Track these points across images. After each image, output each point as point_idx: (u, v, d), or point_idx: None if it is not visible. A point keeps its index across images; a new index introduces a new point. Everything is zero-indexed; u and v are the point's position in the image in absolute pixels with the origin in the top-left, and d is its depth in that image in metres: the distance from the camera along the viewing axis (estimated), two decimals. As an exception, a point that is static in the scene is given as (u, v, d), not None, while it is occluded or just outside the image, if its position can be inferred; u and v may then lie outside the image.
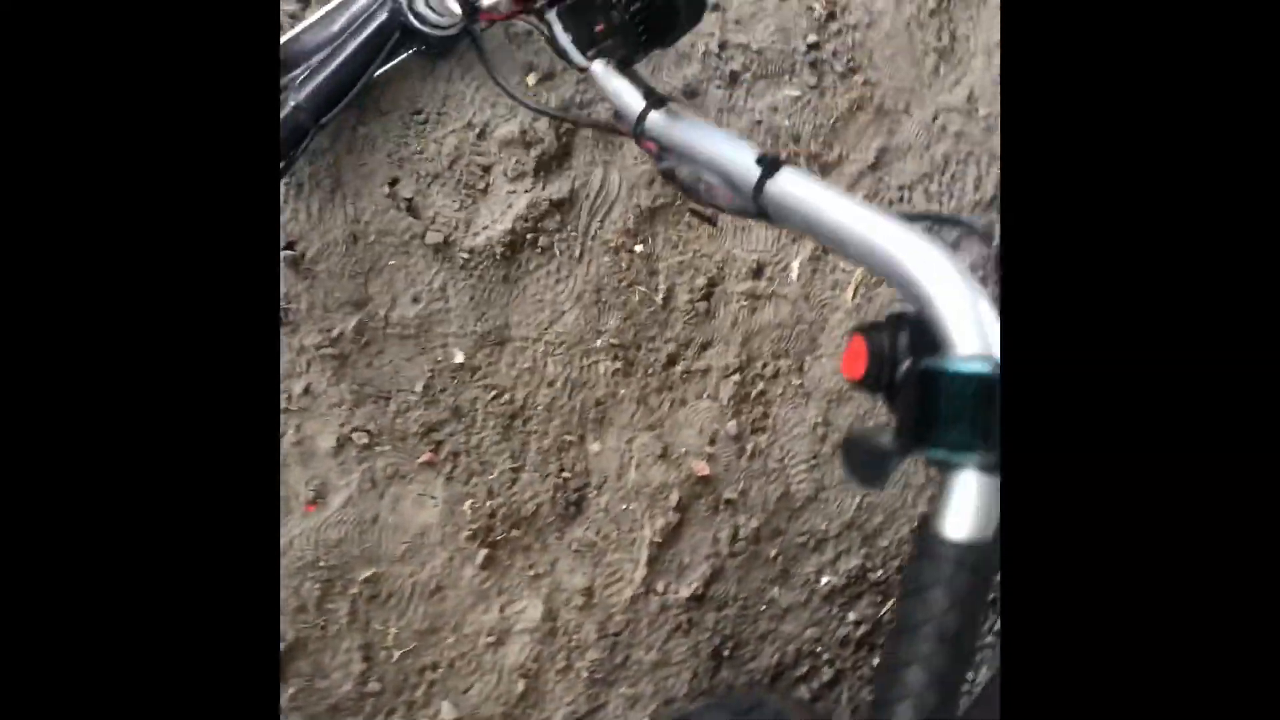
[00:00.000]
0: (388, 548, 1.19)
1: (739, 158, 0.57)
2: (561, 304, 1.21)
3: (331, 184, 1.01)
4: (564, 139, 1.14)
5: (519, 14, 0.64)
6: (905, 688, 0.44)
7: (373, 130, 1.02)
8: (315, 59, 0.69)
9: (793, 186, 0.55)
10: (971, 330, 0.45)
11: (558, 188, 1.15)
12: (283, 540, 1.12)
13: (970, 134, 1.58)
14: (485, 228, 1.12)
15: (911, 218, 0.54)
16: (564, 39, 0.62)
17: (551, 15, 0.62)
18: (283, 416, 1.07)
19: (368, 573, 1.18)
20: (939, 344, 0.46)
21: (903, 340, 0.48)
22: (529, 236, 1.15)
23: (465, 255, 1.12)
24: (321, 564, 1.15)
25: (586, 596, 1.34)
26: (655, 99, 0.62)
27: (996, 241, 0.57)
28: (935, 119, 1.53)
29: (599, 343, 1.25)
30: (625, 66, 0.62)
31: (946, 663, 0.43)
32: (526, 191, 1.13)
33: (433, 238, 1.08)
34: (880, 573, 1.63)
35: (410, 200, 1.07)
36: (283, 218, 0.98)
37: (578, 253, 1.20)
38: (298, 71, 0.68)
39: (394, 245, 1.07)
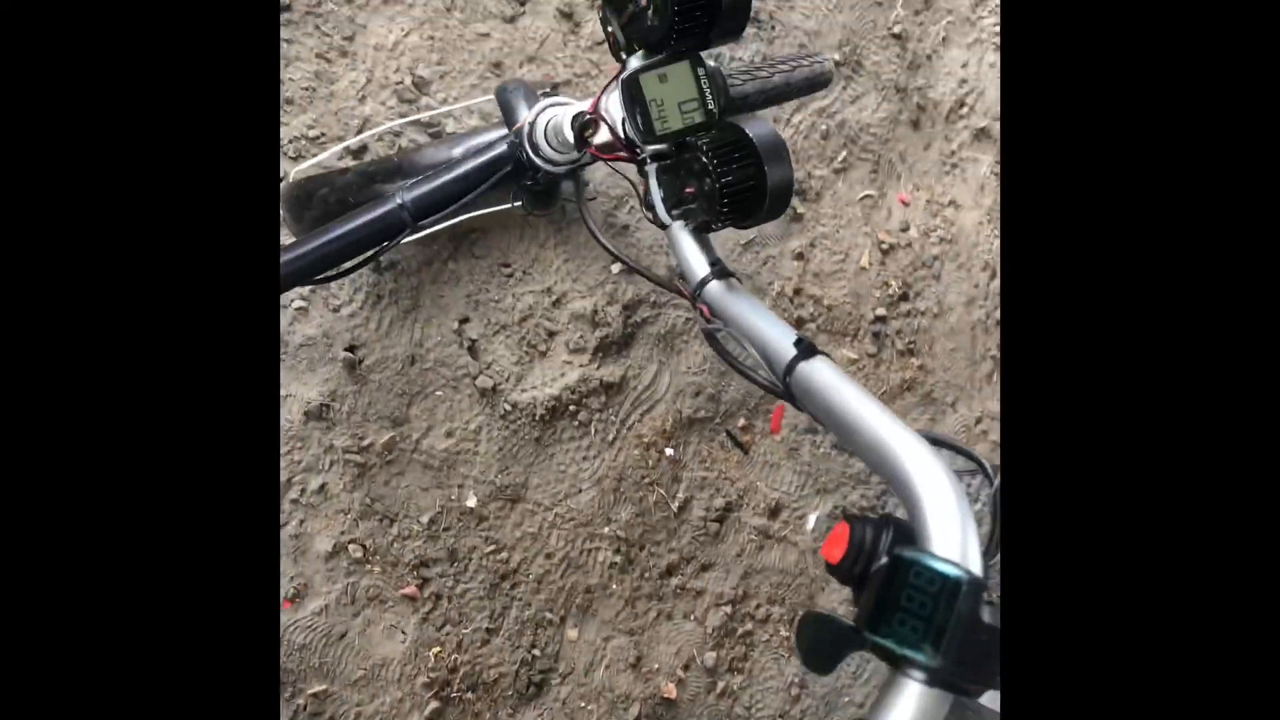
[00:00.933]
0: (346, 669, 1.18)
1: (780, 336, 0.61)
2: (582, 480, 1.24)
3: (409, 305, 1.08)
4: (630, 329, 1.21)
5: (623, 158, 0.72)
6: None
7: (460, 269, 1.10)
8: (430, 171, 0.77)
9: (821, 374, 0.59)
10: (953, 537, 0.46)
11: (611, 371, 1.21)
12: (248, 628, 1.12)
13: (1010, 446, 1.62)
14: (534, 387, 1.17)
15: (930, 437, 0.56)
16: (656, 193, 0.69)
17: (651, 168, 0.70)
18: (291, 506, 1.10)
19: (319, 687, 1.17)
20: (919, 544, 0.47)
21: (886, 538, 0.48)
22: (571, 409, 1.20)
23: (508, 407, 1.17)
24: (281, 665, 1.14)
25: (520, 786, 1.30)
26: (720, 270, 0.67)
27: (998, 483, 0.58)
28: (978, 422, 1.59)
29: (606, 530, 1.27)
30: (702, 233, 0.69)
31: None
32: (582, 366, 1.19)
33: (484, 382, 1.14)
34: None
35: (474, 342, 1.13)
36: (354, 321, 1.05)
37: (611, 437, 1.24)
38: (414, 179, 0.76)
39: (446, 378, 1.13)
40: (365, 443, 1.11)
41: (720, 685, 1.41)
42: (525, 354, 1.16)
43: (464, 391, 1.15)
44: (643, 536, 1.30)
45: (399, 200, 0.73)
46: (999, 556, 0.47)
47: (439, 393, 1.13)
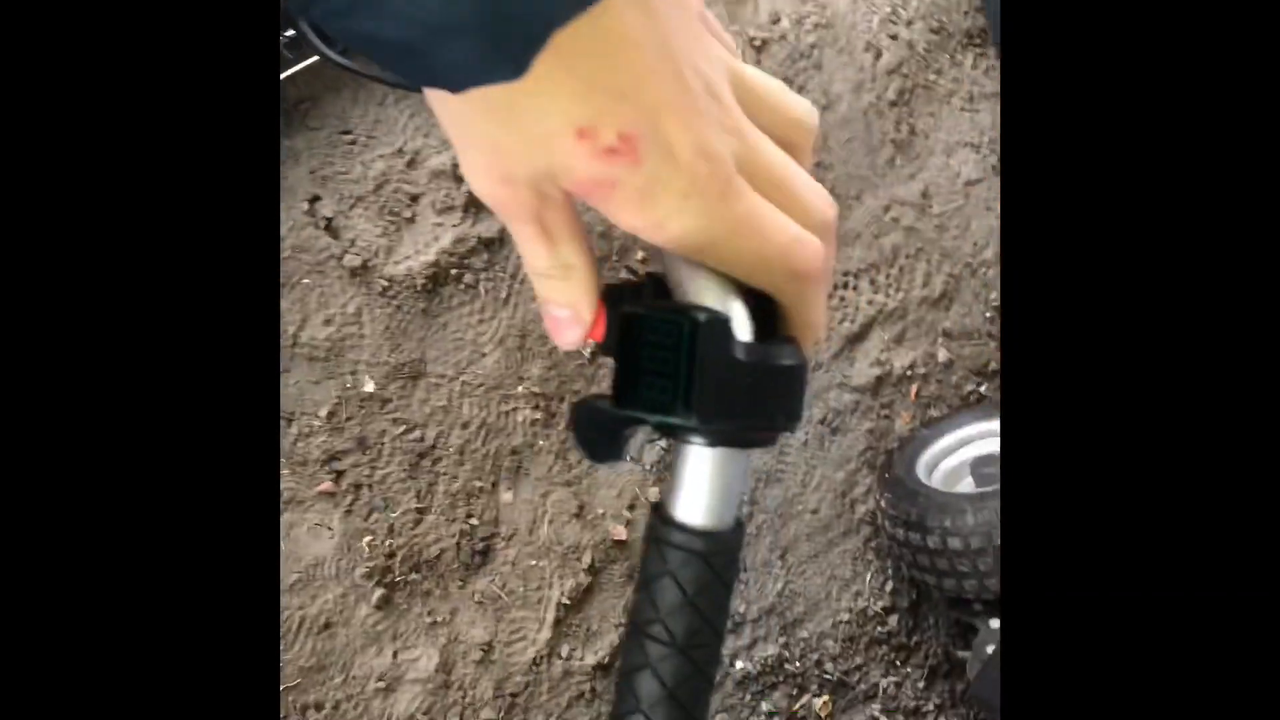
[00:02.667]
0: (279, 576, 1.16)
1: None
2: (483, 345, 1.20)
3: (251, 194, 1.02)
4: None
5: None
6: (637, 700, 0.40)
7: (297, 144, 1.02)
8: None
9: None
10: (695, 275, 0.40)
11: (488, 226, 1.15)
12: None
13: (923, 230, 1.59)
14: (408, 257, 1.12)
15: None
16: None
17: None
18: (178, 425, 1.05)
19: (253, 600, 1.15)
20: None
21: (644, 295, 0.43)
22: (453, 272, 1.15)
23: (384, 283, 1.11)
24: (205, 585, 1.12)
25: (485, 651, 1.30)
26: None
27: None
28: (887, 210, 1.55)
29: (520, 389, 1.23)
30: None
31: (678, 668, 0.40)
32: (455, 226, 1.13)
33: (351, 261, 1.08)
34: (798, 664, 1.58)
35: (330, 220, 1.06)
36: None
37: (504, 295, 1.19)
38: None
39: (310, 264, 1.07)
40: (240, 347, 1.06)
41: (631, 597, 1.41)
42: (390, 223, 1.10)
43: (332, 275, 1.09)
44: (560, 388, 1.27)
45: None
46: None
47: (305, 281, 1.07)
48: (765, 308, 0.41)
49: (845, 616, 1.58)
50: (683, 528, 0.40)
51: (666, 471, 1.39)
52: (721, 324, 0.38)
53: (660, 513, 0.41)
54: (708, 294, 0.40)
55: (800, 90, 1.40)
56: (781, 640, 1.52)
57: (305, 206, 1.03)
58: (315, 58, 0.84)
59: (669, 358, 0.38)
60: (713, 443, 0.38)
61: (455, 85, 0.29)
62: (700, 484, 0.39)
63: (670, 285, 0.42)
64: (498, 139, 0.31)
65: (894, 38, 1.56)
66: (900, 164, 1.55)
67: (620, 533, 1.37)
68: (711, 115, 0.32)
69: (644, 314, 0.39)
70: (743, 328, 0.39)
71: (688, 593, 0.39)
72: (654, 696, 0.40)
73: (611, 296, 0.43)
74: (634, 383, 0.38)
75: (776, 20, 1.37)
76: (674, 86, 0.31)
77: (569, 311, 0.38)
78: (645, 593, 0.41)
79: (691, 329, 0.38)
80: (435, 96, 0.30)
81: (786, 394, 0.40)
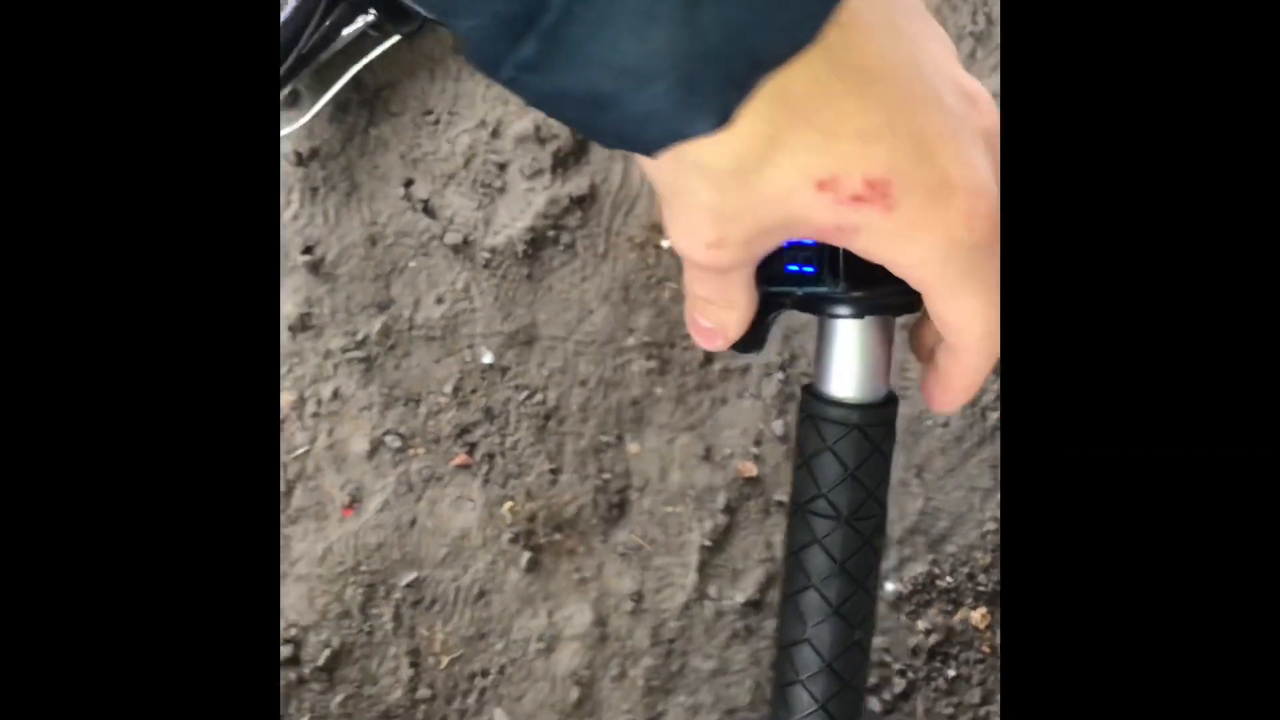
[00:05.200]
0: (429, 551, 1.20)
1: None
2: (589, 302, 1.21)
3: (347, 187, 1.04)
4: (579, 134, 1.15)
5: None
6: (807, 575, 0.41)
7: (384, 132, 1.04)
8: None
9: None
10: None
11: (577, 184, 1.16)
12: (321, 546, 1.14)
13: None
14: (505, 226, 1.13)
15: None
16: None
17: None
18: (313, 421, 1.09)
19: (410, 577, 1.19)
20: None
21: None
22: (550, 234, 1.16)
23: (487, 255, 1.13)
24: (363, 568, 1.17)
25: (636, 602, 1.33)
26: None
27: None
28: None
29: (631, 341, 1.25)
30: None
31: (846, 540, 0.40)
32: (545, 189, 1.14)
33: (452, 238, 1.10)
34: (949, 579, 1.56)
35: (427, 201, 1.09)
36: (299, 222, 1.01)
37: (602, 249, 1.20)
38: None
39: (414, 247, 1.10)
40: (359, 337, 1.09)
41: (792, 476, 1.41)
42: (483, 196, 1.12)
43: (437, 254, 1.11)
44: (670, 334, 1.27)
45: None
46: None
47: (412, 264, 1.10)
48: None
49: (991, 526, 1.56)
50: (838, 403, 0.40)
51: (788, 404, 1.39)
52: None
53: (812, 391, 0.41)
54: None
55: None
56: (930, 558, 1.51)
57: (401, 191, 1.06)
58: (396, 38, 0.86)
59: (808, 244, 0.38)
60: (859, 312, 0.38)
61: (649, 144, 0.25)
62: (850, 357, 0.39)
63: None
64: (717, 203, 0.27)
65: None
66: (981, 55, 1.50)
67: (750, 469, 1.37)
68: (971, 133, 0.28)
69: None
70: None
71: (848, 466, 0.40)
72: (824, 570, 0.40)
73: None
74: (777, 260, 0.38)
75: None
76: (933, 114, 0.27)
77: (718, 329, 0.37)
78: (805, 471, 0.41)
79: None
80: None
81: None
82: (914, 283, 0.31)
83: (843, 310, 0.39)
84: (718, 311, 0.36)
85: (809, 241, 0.38)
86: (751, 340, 0.41)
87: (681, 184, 0.27)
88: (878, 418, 0.40)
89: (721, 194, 0.27)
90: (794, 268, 0.39)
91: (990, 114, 0.29)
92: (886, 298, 0.39)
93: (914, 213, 0.27)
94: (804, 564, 0.41)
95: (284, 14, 0.75)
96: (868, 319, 0.39)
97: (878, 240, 0.29)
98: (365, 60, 0.83)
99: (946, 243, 0.28)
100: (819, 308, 0.41)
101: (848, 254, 0.38)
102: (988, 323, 0.31)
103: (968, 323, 0.31)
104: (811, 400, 0.41)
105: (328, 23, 0.77)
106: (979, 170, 0.27)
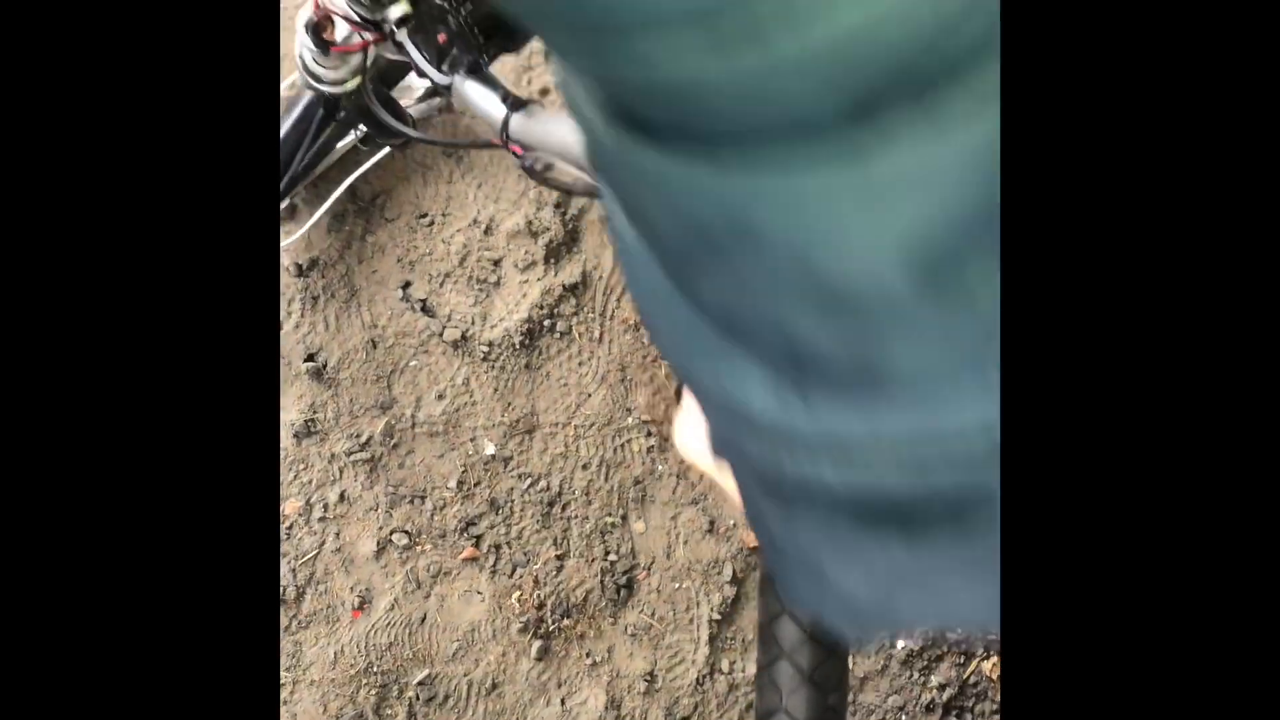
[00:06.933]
0: (440, 647, 1.19)
1: (577, 137, 0.56)
2: (587, 386, 1.22)
3: (346, 294, 1.05)
4: (570, 224, 1.16)
5: (377, 41, 0.66)
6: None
7: (380, 238, 1.06)
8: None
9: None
10: None
11: (570, 272, 1.17)
12: (333, 649, 1.13)
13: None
14: (502, 319, 1.14)
15: None
16: (419, 58, 0.64)
17: (402, 35, 0.64)
18: (320, 525, 1.09)
19: (422, 674, 1.18)
20: None
21: None
22: (546, 323, 1.17)
23: (485, 348, 1.14)
24: (375, 669, 1.16)
25: (649, 681, 1.32)
26: (514, 102, 0.63)
27: None
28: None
29: (630, 420, 1.25)
30: (480, 74, 0.63)
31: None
32: (539, 279, 1.15)
33: (450, 335, 1.11)
34: (959, 632, 1.57)
35: (425, 301, 1.10)
36: (301, 330, 1.02)
37: (598, 334, 1.21)
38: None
39: (414, 346, 1.10)
40: (363, 439, 1.09)
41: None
42: (480, 292, 1.13)
43: (436, 352, 1.12)
44: (668, 411, 1.28)
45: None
46: None
47: (413, 363, 1.11)
48: None
49: (991, 576, 1.57)
50: None
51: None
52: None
53: None
54: None
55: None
56: (934, 613, 1.51)
57: (400, 293, 1.07)
58: (388, 150, 0.87)
59: None
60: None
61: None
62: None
63: None
64: None
65: None
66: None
67: (753, 539, 1.38)
68: None
69: None
70: None
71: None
72: (796, 640, 0.41)
73: None
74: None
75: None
76: None
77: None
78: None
79: None
80: None
81: None
82: None
83: None
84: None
85: None
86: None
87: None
88: None
89: None
90: None
91: None
92: None
93: None
94: (776, 635, 0.42)
95: (281, 131, 0.76)
96: None
97: None
98: (359, 171, 0.84)
99: None
100: None
101: None
102: None
103: None
104: None
105: (321, 139, 0.78)
106: None
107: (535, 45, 1.18)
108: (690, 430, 0.34)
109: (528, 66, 1.19)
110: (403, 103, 0.73)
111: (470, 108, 0.65)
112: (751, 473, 0.28)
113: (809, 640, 0.42)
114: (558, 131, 0.60)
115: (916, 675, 1.53)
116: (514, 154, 0.63)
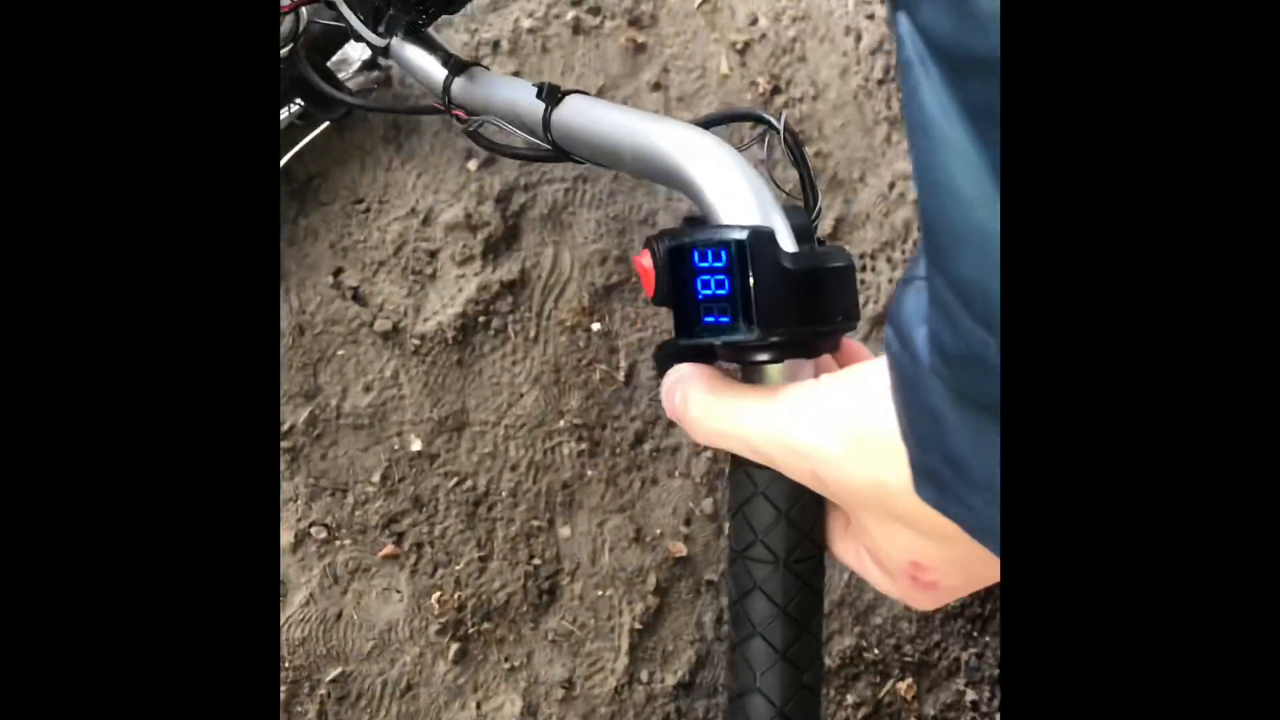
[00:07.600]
0: (355, 645, 1.16)
1: (529, 97, 0.55)
2: (520, 386, 1.20)
3: (275, 276, 1.02)
4: (511, 220, 1.15)
5: (309, 1, 0.64)
6: (751, 624, 0.41)
7: (314, 222, 1.03)
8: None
9: (576, 112, 0.53)
10: (734, 198, 0.41)
11: (508, 269, 1.15)
12: (243, 643, 1.10)
13: (930, 200, 1.59)
14: (435, 313, 1.12)
15: (700, 120, 0.52)
16: (354, 19, 0.62)
17: None
18: (237, 514, 1.06)
19: (335, 672, 1.15)
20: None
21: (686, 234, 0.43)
22: (481, 320, 1.15)
23: (416, 341, 1.12)
24: (286, 664, 1.12)
25: (567, 689, 1.30)
26: (455, 63, 0.61)
27: (784, 123, 0.55)
28: (892, 187, 1.55)
29: (562, 423, 1.24)
30: (419, 35, 0.62)
31: (785, 584, 0.41)
32: (476, 275, 1.14)
33: (381, 325, 1.09)
34: (876, 651, 1.57)
35: (356, 289, 1.07)
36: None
37: (533, 334, 1.20)
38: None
39: (342, 335, 1.08)
40: (285, 427, 1.06)
41: (727, 525, 1.41)
42: (414, 283, 1.11)
43: (366, 342, 1.09)
44: (600, 416, 1.27)
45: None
46: (819, 206, 0.46)
47: (340, 352, 1.08)
48: (802, 220, 0.43)
49: (913, 597, 1.58)
50: None
51: (717, 481, 1.39)
52: (767, 236, 0.39)
53: None
54: (747, 214, 0.41)
55: (788, 84, 1.40)
56: (856, 630, 1.52)
57: (330, 280, 1.04)
58: (327, 124, 0.85)
59: (722, 279, 0.39)
60: (778, 356, 0.39)
61: None
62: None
63: (709, 219, 0.43)
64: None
65: (870, 17, 1.56)
66: (897, 140, 1.55)
67: (680, 549, 1.37)
68: None
69: (689, 242, 0.40)
70: (786, 239, 0.40)
71: (781, 509, 0.40)
72: (767, 616, 0.40)
73: (654, 245, 0.44)
74: (694, 313, 0.39)
75: (754, 21, 1.38)
76: None
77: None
78: (740, 518, 0.41)
79: (739, 246, 0.39)
80: None
81: (841, 294, 0.41)
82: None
83: (762, 355, 0.40)
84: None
85: (724, 291, 0.39)
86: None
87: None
88: None
89: None
90: (710, 318, 0.39)
91: None
92: (802, 339, 0.40)
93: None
94: (748, 612, 0.41)
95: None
96: (787, 362, 0.41)
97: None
98: (294, 151, 0.82)
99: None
100: (739, 355, 0.42)
101: (759, 299, 0.39)
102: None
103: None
104: None
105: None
106: None
107: (476, 3, 1.16)
108: (704, 401, 0.36)
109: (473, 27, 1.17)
110: (340, 76, 0.71)
111: (410, 72, 0.63)
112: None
113: (781, 615, 0.42)
114: (503, 94, 0.58)
115: (833, 693, 1.54)
116: (457, 119, 0.61)
